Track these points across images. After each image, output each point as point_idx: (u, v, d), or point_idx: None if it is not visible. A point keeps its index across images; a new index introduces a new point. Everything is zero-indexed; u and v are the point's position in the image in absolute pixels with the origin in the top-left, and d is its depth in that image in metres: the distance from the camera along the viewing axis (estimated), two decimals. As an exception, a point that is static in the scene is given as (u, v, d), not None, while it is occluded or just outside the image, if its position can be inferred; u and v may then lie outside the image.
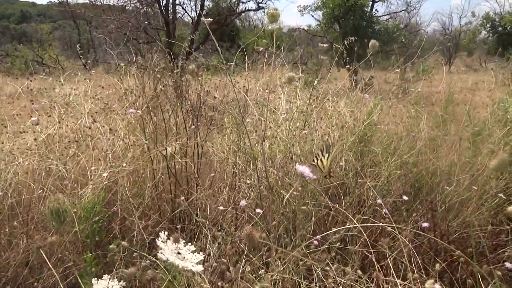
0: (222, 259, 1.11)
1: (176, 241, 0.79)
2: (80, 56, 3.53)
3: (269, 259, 1.18)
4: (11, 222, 1.56)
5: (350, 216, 1.25)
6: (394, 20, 13.03)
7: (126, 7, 8.54)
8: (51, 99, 2.17)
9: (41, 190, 1.59)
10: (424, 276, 1.01)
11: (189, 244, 0.83)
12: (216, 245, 1.34)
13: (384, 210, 1.32)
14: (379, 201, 1.38)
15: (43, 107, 2.23)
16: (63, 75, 2.47)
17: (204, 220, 1.45)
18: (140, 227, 1.48)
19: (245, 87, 2.15)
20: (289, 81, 1.46)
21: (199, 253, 0.82)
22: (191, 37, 6.53)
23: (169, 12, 8.60)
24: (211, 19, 1.30)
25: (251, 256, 1.13)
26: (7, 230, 1.56)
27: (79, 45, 2.97)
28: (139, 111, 1.83)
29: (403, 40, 11.15)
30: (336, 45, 2.27)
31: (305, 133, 1.67)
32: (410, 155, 1.65)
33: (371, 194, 1.54)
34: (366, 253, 1.28)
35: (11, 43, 19.21)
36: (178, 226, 1.59)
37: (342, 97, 2.33)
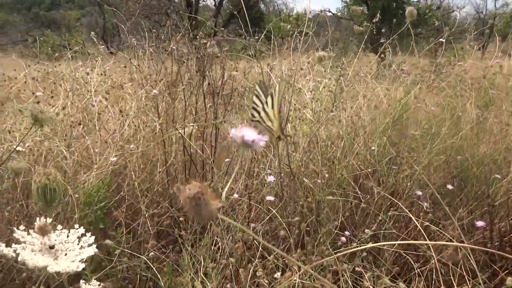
0: (231, 259, 0.94)
1: (43, 232, 0.51)
2: (99, 41, 3.46)
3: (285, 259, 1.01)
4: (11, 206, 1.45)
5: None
6: (425, 1, 12.44)
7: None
8: (61, 77, 2.05)
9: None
10: (482, 285, 0.82)
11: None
12: (230, 238, 1.18)
13: (425, 204, 1.13)
14: (418, 193, 1.18)
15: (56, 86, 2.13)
16: (88, 59, 2.38)
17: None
18: (146, 215, 1.34)
19: (269, 65, 1.98)
20: (319, 60, 1.35)
21: (91, 246, 0.56)
22: (214, 18, 6.37)
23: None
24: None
25: (266, 255, 0.96)
26: (6, 214, 1.44)
27: (93, 33, 2.89)
28: (155, 91, 1.69)
29: (435, 22, 10.61)
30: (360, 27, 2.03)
31: (333, 114, 1.48)
32: (454, 140, 1.43)
33: (408, 184, 1.34)
34: (403, 254, 1.10)
35: (40, 29, 19.51)
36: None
37: (374, 77, 2.11)
